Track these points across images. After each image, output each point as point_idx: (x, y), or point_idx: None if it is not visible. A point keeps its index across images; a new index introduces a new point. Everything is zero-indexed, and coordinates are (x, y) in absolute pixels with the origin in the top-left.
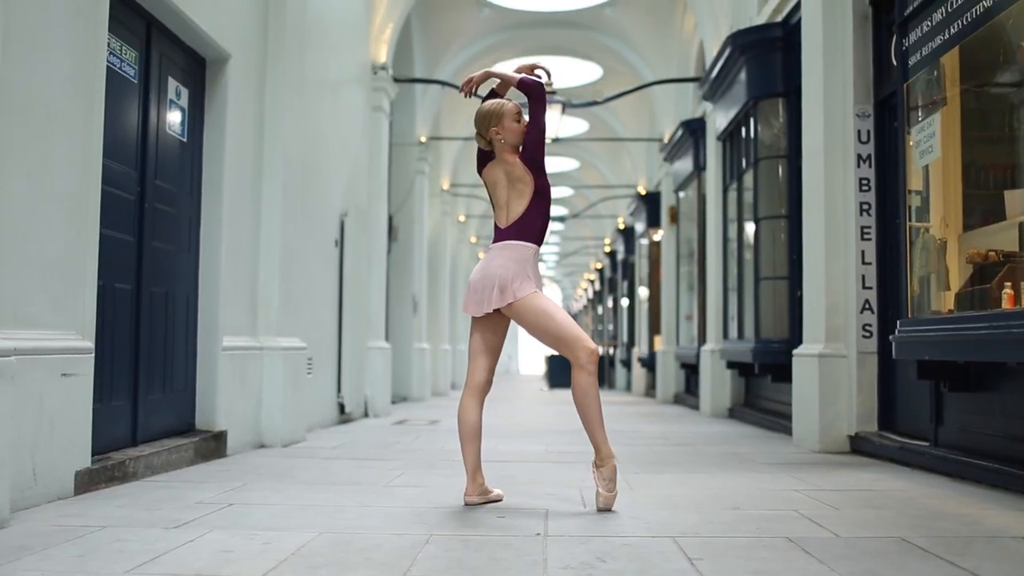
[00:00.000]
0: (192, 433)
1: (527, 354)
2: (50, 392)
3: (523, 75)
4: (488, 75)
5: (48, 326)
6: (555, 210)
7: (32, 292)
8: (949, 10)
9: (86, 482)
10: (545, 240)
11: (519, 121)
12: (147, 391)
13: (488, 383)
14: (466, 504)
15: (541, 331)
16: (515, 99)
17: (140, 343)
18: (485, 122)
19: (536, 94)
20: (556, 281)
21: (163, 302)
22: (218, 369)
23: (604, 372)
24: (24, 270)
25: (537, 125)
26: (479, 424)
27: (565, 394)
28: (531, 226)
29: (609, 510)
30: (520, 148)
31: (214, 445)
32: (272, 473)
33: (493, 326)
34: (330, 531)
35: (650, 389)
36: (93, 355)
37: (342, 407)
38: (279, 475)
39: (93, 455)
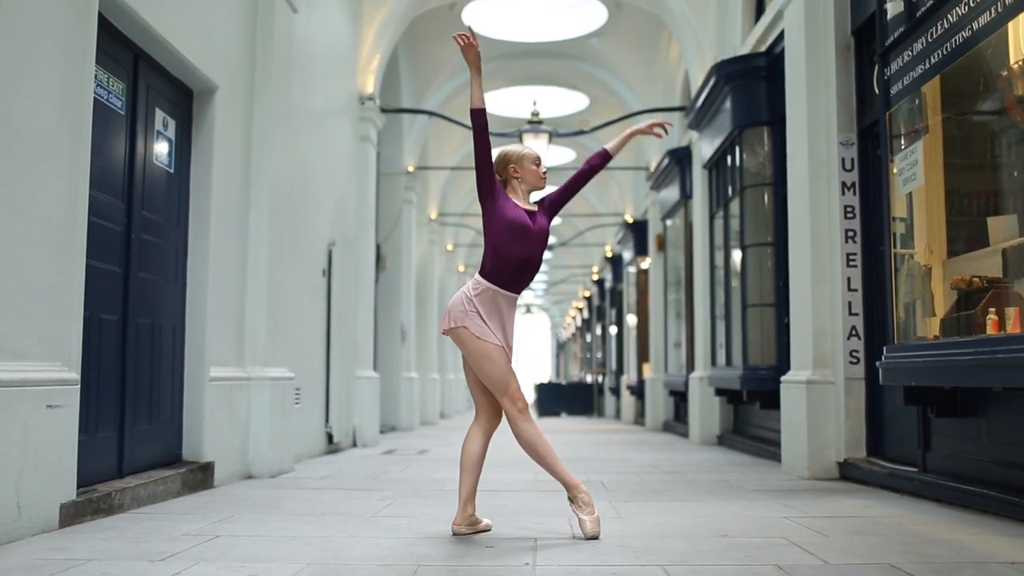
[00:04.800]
0: (179, 464)
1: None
2: (35, 424)
3: (475, 106)
4: (473, 76)
5: (33, 357)
6: None
7: (17, 323)
8: (929, 40)
9: (71, 515)
10: (507, 281)
11: (538, 166)
12: (133, 422)
13: (496, 418)
14: (454, 534)
15: (480, 370)
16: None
17: (126, 374)
18: (512, 161)
19: (472, 120)
20: (544, 309)
21: (149, 333)
22: (205, 400)
23: (593, 400)
24: (9, 301)
25: (477, 152)
26: (480, 456)
27: (555, 422)
28: (484, 263)
29: (597, 536)
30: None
31: (201, 476)
32: (259, 504)
33: None
34: (318, 562)
35: (639, 417)
36: (79, 386)
37: (330, 437)
38: (266, 506)
39: (78, 487)
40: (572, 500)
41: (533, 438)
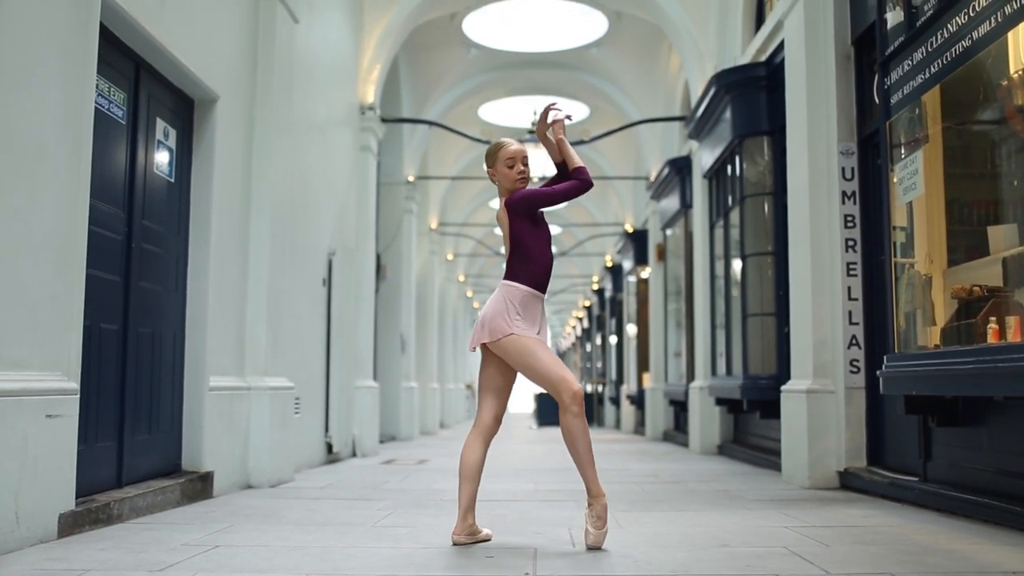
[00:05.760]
0: (178, 474)
1: (516, 392)
2: (34, 434)
3: (580, 165)
4: (559, 140)
5: (33, 367)
6: None
7: (17, 333)
8: (929, 49)
9: (70, 525)
10: (542, 284)
11: (511, 168)
12: (133, 432)
13: (495, 424)
14: (454, 543)
15: (528, 370)
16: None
17: (126, 383)
18: (487, 160)
19: (578, 177)
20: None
21: (150, 342)
22: (205, 409)
23: (593, 410)
24: (9, 310)
25: (551, 191)
26: (479, 464)
27: (554, 432)
28: (516, 269)
29: (599, 548)
30: (511, 192)
31: (200, 486)
32: (259, 514)
33: (497, 366)
34: (317, 572)
35: (639, 426)
36: (78, 396)
37: (330, 447)
38: (266, 516)
39: (77, 497)
40: (589, 507)
41: (579, 433)
